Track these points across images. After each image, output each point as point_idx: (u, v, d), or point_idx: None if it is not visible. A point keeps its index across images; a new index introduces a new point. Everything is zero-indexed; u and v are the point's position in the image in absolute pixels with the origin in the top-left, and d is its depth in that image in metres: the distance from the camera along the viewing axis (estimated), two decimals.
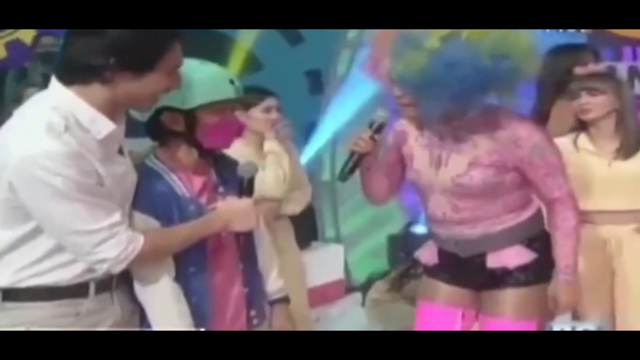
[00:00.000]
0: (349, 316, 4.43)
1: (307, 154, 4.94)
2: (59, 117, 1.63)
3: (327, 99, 5.24)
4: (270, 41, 4.95)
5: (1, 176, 1.63)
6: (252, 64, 5.08)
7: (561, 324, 1.74)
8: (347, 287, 5.03)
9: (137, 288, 1.84)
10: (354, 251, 5.23)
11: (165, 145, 1.92)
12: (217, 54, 4.96)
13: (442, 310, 2.32)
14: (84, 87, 1.67)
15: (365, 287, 4.44)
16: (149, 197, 1.84)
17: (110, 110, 1.71)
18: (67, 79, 1.68)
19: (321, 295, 4.59)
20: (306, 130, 5.04)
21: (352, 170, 2.23)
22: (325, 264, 4.82)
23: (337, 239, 5.27)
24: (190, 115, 1.87)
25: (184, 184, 1.90)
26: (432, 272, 2.37)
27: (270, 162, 3.08)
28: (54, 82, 1.70)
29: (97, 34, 1.64)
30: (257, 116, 3.14)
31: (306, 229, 4.90)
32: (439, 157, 2.20)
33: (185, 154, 1.92)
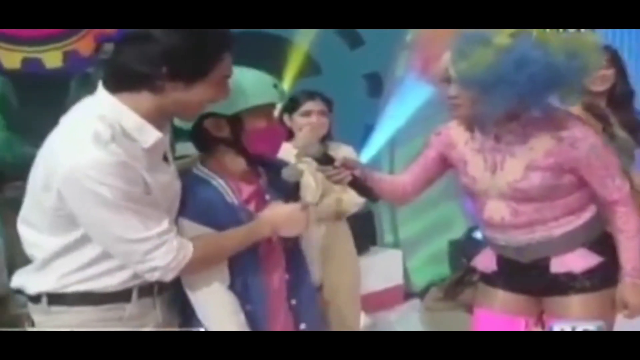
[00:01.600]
0: (408, 322, 4.36)
1: (365, 157, 4.89)
2: (106, 126, 1.62)
3: (385, 101, 5.18)
4: (329, 44, 4.91)
5: (50, 185, 1.63)
6: (311, 67, 5.05)
7: (561, 324, 1.71)
8: (406, 292, 4.96)
9: (191, 298, 1.82)
10: (413, 257, 5.15)
11: (211, 153, 1.89)
12: (275, 57, 4.98)
13: (501, 317, 2.29)
14: (132, 95, 1.66)
15: (425, 294, 4.37)
16: (200, 206, 1.81)
17: (157, 118, 1.69)
18: (116, 86, 1.67)
19: (380, 301, 4.54)
20: (365, 133, 4.99)
21: (365, 194, 2.19)
22: (383, 269, 4.77)
23: (396, 244, 5.20)
24: (234, 121, 1.83)
25: (234, 191, 1.87)
26: (490, 279, 2.33)
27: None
28: (101, 90, 1.69)
29: (150, 42, 1.62)
30: (296, 120, 3.12)
31: (365, 233, 4.86)
32: (494, 162, 2.16)
33: (233, 161, 1.88)
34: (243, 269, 1.85)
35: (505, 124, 2.10)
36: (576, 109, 3.06)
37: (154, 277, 1.69)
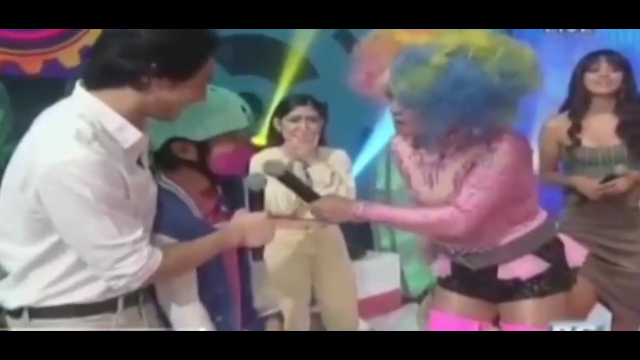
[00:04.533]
0: (406, 327, 4.34)
1: (362, 162, 4.88)
2: (87, 124, 1.58)
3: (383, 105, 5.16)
4: (326, 47, 4.91)
5: (28, 184, 1.58)
6: (307, 70, 5.05)
7: (561, 324, 1.72)
8: (403, 297, 4.94)
9: (164, 309, 1.81)
10: (410, 261, 5.13)
11: (175, 171, 1.86)
12: (273, 60, 4.96)
13: (455, 320, 2.32)
14: (114, 92, 1.62)
15: (422, 297, 4.35)
16: (170, 220, 1.79)
17: (137, 117, 1.65)
18: (98, 83, 1.63)
19: (377, 306, 4.52)
20: (362, 137, 4.98)
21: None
22: (380, 273, 4.75)
23: (393, 248, 5.18)
24: (202, 145, 1.82)
25: (199, 207, 1.86)
26: (446, 283, 2.37)
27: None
28: (79, 88, 1.65)
29: (139, 38, 1.59)
30: (285, 124, 3.10)
31: (361, 238, 4.84)
32: (430, 176, 2.18)
33: (196, 179, 1.87)
34: (210, 280, 1.83)
35: (447, 140, 2.11)
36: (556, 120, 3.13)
37: (119, 284, 1.64)
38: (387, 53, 2.06)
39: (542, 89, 2.05)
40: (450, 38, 1.97)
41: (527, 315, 2.21)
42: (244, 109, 1.87)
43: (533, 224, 2.22)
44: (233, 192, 1.93)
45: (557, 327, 1.67)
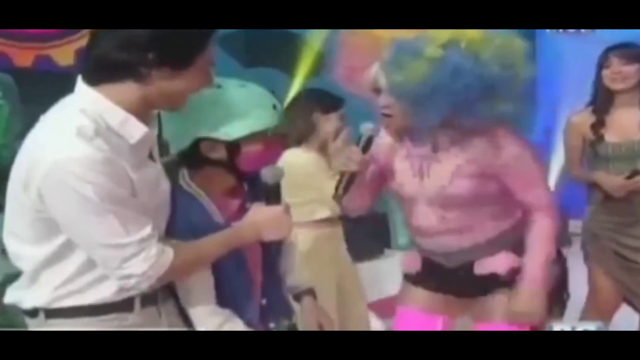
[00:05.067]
0: None
1: None
2: (88, 120, 1.54)
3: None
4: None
5: (31, 183, 1.55)
6: (323, 65, 5.01)
7: (561, 324, 1.73)
8: None
9: (185, 310, 1.79)
10: None
11: (200, 170, 1.83)
12: (288, 55, 4.93)
13: (419, 316, 2.32)
14: (115, 86, 1.58)
15: None
16: (188, 226, 1.75)
17: (141, 111, 1.61)
18: (97, 78, 1.58)
19: (394, 305, 4.45)
20: None
21: (346, 190, 2.15)
22: (398, 272, 4.69)
23: (411, 247, 5.12)
24: (232, 144, 1.79)
25: (221, 210, 1.83)
26: (413, 279, 2.36)
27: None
28: (80, 84, 1.61)
29: (134, 29, 1.55)
30: (332, 119, 3.03)
31: (379, 236, 4.80)
32: (421, 168, 2.17)
33: (222, 178, 1.84)
34: (228, 276, 1.81)
35: (440, 133, 2.11)
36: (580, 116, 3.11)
37: (129, 284, 1.61)
38: (368, 48, 2.06)
39: (535, 79, 2.07)
40: (441, 32, 1.99)
41: (502, 310, 2.19)
42: (275, 107, 1.84)
43: (511, 221, 2.22)
44: (258, 189, 1.90)
45: (557, 327, 1.64)
